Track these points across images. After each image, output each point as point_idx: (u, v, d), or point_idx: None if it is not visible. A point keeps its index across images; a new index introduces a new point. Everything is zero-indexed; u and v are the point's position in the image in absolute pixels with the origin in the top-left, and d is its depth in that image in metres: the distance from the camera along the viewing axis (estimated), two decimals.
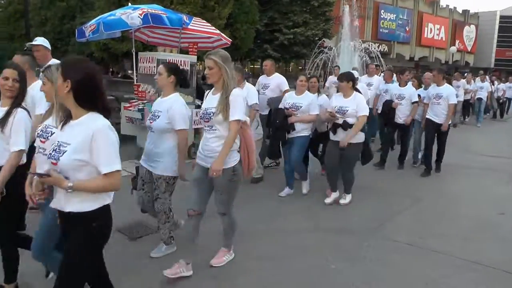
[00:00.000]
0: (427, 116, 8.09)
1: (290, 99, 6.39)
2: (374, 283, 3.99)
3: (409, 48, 46.73)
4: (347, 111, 5.85)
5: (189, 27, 8.11)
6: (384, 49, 40.30)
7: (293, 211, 5.84)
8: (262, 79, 8.03)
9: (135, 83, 8.27)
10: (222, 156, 3.68)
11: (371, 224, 5.43)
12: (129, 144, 8.54)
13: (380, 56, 20.64)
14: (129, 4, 8.37)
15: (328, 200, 6.22)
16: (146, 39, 9.22)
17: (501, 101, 18.90)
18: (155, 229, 4.97)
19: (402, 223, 5.57)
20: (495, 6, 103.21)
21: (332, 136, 6.10)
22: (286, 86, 7.61)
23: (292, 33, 25.61)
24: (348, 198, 6.26)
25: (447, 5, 51.81)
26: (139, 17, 7.11)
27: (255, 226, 5.25)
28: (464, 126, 15.39)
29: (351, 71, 8.97)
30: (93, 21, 7.80)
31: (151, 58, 8.16)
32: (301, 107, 6.19)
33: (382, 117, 9.03)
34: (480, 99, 15.90)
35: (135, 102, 7.72)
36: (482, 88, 15.97)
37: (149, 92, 7.75)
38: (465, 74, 16.23)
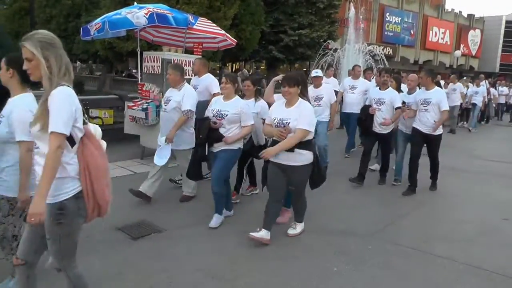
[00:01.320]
0: (413, 125, 6.96)
1: (215, 104, 5.21)
2: (376, 287, 3.98)
3: (414, 52, 46.69)
4: (288, 123, 4.53)
5: (195, 27, 8.14)
6: (388, 52, 40.20)
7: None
8: (193, 80, 7.12)
9: (139, 82, 8.31)
10: (41, 189, 2.45)
11: (375, 227, 5.41)
12: (133, 143, 8.57)
13: (384, 59, 20.61)
14: (135, 3, 8.40)
15: (254, 234, 4.68)
16: (151, 38, 9.25)
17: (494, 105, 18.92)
18: (157, 229, 4.98)
19: (405, 227, 5.54)
20: (501, 11, 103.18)
21: (272, 157, 4.73)
22: (215, 88, 6.70)
23: (297, 34, 25.61)
24: (299, 228, 5.11)
25: (452, 9, 51.82)
26: (144, 16, 7.13)
27: (257, 227, 5.23)
28: (466, 131, 15.31)
29: (315, 71, 8.07)
30: (98, 19, 7.84)
31: (155, 57, 8.20)
32: (226, 115, 5.02)
33: (359, 125, 7.95)
34: (474, 104, 15.53)
35: (139, 101, 7.75)
36: (477, 93, 15.57)
37: (153, 91, 7.78)
38: (464, 78, 16.12)
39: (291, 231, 5.03)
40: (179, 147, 5.84)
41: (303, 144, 4.55)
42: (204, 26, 8.44)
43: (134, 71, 29.50)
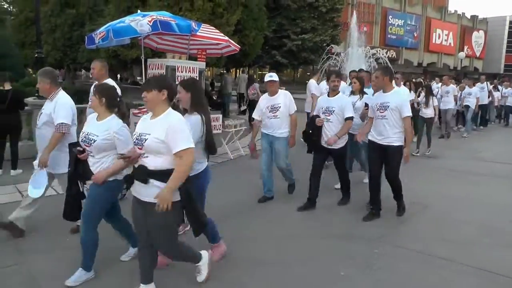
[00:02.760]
0: (369, 137, 5.87)
1: (86, 125, 3.93)
2: None
3: (417, 54, 46.68)
4: (145, 140, 3.27)
5: (198, 33, 8.19)
6: (392, 55, 40.28)
7: (301, 217, 5.83)
8: (93, 87, 6.07)
9: None
10: None
11: (380, 230, 5.41)
12: None
13: (388, 62, 20.62)
14: (139, 11, 8.47)
15: None
16: (155, 45, 9.32)
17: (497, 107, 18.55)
18: None
19: (410, 230, 5.53)
20: (505, 12, 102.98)
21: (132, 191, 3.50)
22: None
23: (300, 39, 25.74)
24: None
25: (455, 11, 51.85)
26: (148, 24, 7.19)
27: (263, 231, 5.25)
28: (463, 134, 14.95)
29: (269, 75, 6.34)
30: (102, 28, 7.89)
31: (160, 64, 8.27)
32: (94, 141, 3.70)
33: (305, 140, 6.46)
34: (467, 107, 14.60)
35: (144, 108, 7.79)
36: (470, 94, 14.65)
37: None
38: (462, 80, 15.75)
39: None
40: (56, 170, 4.70)
41: (162, 174, 3.27)
42: (207, 32, 8.49)
43: (138, 78, 29.69)
